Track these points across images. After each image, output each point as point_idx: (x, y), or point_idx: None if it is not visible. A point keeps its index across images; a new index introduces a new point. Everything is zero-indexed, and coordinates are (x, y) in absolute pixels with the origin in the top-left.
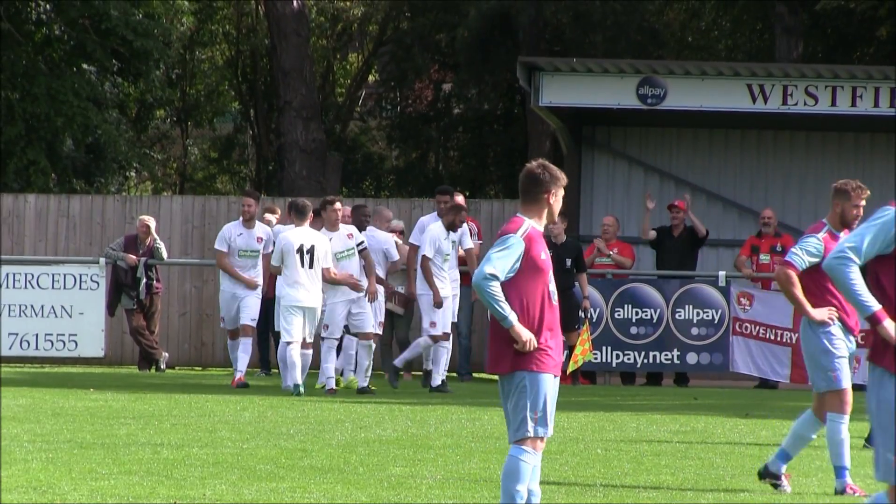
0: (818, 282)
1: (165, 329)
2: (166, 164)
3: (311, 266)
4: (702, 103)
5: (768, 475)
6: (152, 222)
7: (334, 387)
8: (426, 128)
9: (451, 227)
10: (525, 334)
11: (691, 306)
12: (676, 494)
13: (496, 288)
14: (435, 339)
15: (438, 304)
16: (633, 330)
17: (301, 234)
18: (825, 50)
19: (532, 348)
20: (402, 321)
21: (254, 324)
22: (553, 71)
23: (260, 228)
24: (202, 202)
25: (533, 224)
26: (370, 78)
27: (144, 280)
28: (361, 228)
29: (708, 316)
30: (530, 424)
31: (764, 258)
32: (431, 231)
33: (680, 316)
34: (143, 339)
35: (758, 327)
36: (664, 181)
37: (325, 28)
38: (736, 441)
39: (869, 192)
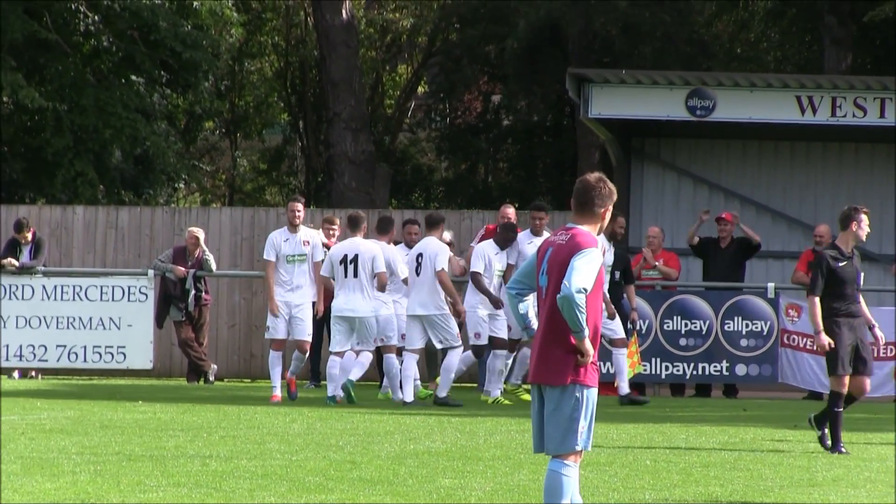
0: None
1: (214, 341)
2: (215, 176)
3: (354, 275)
4: (751, 115)
5: None
6: (201, 234)
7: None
8: (475, 139)
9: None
10: (591, 348)
11: (740, 318)
12: None
13: (584, 301)
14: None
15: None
16: (682, 341)
17: (346, 245)
18: (874, 61)
19: (590, 361)
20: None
21: (309, 338)
22: (602, 82)
23: (305, 232)
24: (251, 214)
25: None
26: (419, 89)
27: (193, 292)
28: (506, 245)
29: (757, 328)
30: (580, 438)
31: None
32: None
33: (729, 327)
34: (192, 351)
35: (806, 339)
36: (713, 193)
37: (375, 39)
38: (785, 451)
39: None
